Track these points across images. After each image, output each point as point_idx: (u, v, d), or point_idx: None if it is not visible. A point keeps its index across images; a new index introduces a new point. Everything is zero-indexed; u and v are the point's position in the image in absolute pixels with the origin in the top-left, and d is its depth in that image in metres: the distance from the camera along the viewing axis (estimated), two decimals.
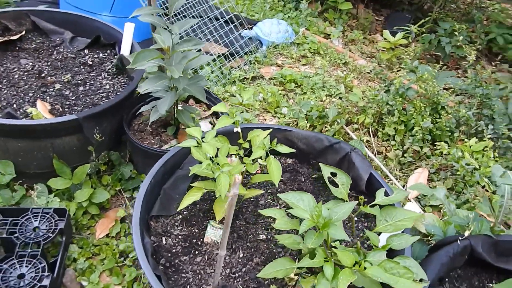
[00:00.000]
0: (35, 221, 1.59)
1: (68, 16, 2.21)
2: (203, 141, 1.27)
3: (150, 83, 1.48)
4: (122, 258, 1.72)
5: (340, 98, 2.84)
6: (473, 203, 1.90)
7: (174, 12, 1.48)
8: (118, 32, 2.16)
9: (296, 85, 2.89)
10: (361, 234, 1.42)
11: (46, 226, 1.58)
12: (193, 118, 1.75)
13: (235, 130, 1.33)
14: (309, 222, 1.02)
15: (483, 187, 2.01)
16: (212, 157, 1.24)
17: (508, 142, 2.17)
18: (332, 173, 1.25)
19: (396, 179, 2.17)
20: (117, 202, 1.94)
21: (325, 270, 0.99)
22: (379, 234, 1.24)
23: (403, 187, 2.10)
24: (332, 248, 1.06)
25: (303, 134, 1.66)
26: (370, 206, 1.15)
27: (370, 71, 3.26)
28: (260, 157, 1.30)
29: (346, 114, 2.52)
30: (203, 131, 1.32)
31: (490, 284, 1.36)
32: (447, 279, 1.35)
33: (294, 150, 1.35)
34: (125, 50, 2.04)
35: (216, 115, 2.04)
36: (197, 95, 1.57)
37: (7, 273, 1.42)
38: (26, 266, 1.45)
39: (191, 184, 1.36)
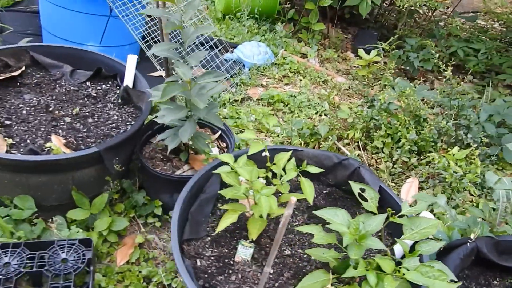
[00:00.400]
0: (62, 252, 1.62)
1: (66, 50, 2.26)
2: (233, 166, 1.37)
3: (172, 114, 1.57)
4: (145, 283, 1.77)
5: (325, 115, 3.00)
6: (463, 208, 2.08)
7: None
8: (118, 63, 2.23)
9: (284, 105, 3.02)
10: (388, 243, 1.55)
11: (74, 257, 1.61)
12: (207, 143, 1.84)
13: (263, 154, 1.44)
14: (350, 236, 1.13)
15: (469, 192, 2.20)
16: (246, 181, 1.34)
17: (486, 149, 2.38)
18: (360, 189, 1.37)
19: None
20: (131, 228, 1.99)
21: (368, 278, 1.10)
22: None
23: (397, 196, 2.26)
24: (371, 258, 1.18)
25: (313, 153, 1.79)
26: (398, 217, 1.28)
27: (349, 87, 3.45)
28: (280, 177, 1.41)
29: (336, 130, 2.67)
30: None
31: (495, 282, 1.52)
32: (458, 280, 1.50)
33: (323, 170, 1.47)
34: (128, 81, 2.11)
35: (221, 138, 2.13)
36: (215, 122, 1.67)
37: None
38: None
39: (220, 207, 1.45)
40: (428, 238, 1.22)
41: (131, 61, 2.08)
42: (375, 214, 1.26)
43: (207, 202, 1.63)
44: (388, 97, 2.65)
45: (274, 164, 1.44)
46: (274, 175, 1.48)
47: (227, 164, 1.39)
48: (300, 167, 1.40)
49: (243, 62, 3.43)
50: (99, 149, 1.65)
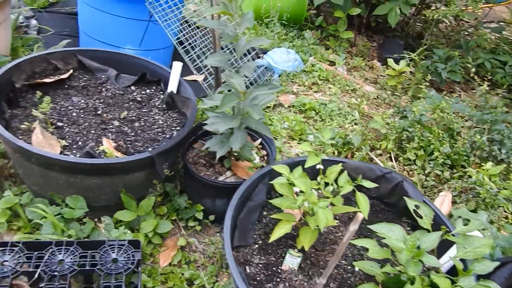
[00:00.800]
0: (112, 253, 1.67)
1: (111, 54, 2.32)
2: (289, 177, 1.41)
3: (224, 123, 1.62)
4: (188, 286, 1.82)
5: (356, 124, 3.03)
6: (499, 224, 2.11)
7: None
8: (161, 68, 2.28)
9: (315, 113, 3.06)
10: None
11: (124, 257, 1.67)
12: (257, 153, 1.89)
13: (318, 167, 1.48)
14: (408, 252, 1.17)
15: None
16: (300, 192, 1.38)
17: None
18: (415, 206, 1.41)
19: None
20: (172, 231, 2.04)
21: None
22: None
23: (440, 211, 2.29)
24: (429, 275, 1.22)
25: (355, 164, 1.83)
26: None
27: (377, 96, 3.48)
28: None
29: (368, 140, 2.71)
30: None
31: None
32: None
33: (377, 185, 1.51)
34: (173, 86, 2.16)
35: (261, 145, 2.18)
36: (264, 132, 1.72)
37: None
38: None
39: (271, 216, 1.50)
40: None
41: (176, 67, 2.14)
42: (429, 231, 1.29)
43: (254, 210, 1.67)
44: (421, 109, 2.68)
45: (326, 176, 1.48)
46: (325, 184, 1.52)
47: (279, 173, 1.44)
48: (355, 181, 1.44)
49: (273, 68, 3.47)
50: (152, 154, 1.71)
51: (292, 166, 1.73)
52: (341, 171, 1.50)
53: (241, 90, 1.54)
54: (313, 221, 1.31)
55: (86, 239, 1.79)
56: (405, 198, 1.40)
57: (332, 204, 1.42)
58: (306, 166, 1.47)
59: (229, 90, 1.69)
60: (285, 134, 2.78)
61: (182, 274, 1.84)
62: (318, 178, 1.56)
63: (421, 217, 1.32)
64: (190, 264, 1.91)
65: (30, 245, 1.63)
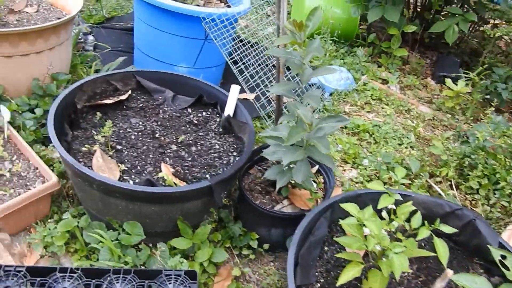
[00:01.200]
0: (169, 283, 1.64)
1: (168, 75, 2.31)
2: (359, 218, 1.33)
3: (288, 154, 1.56)
4: None
5: (411, 147, 2.91)
6: None
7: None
8: (218, 91, 2.25)
9: (369, 135, 2.96)
10: None
11: None
12: (314, 181, 1.82)
13: (389, 207, 1.40)
14: None
15: None
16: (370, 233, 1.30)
17: None
18: (501, 255, 1.30)
19: None
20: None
21: None
22: None
23: None
24: None
25: (422, 199, 1.72)
26: None
27: (433, 117, 3.33)
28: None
29: (426, 166, 2.58)
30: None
31: None
32: None
33: (457, 231, 1.41)
34: (230, 110, 2.13)
35: (318, 172, 2.11)
36: (328, 163, 1.64)
37: None
38: None
39: (338, 256, 1.42)
40: None
41: (234, 91, 2.10)
42: None
43: (316, 245, 1.60)
44: (486, 134, 2.53)
45: (397, 216, 1.39)
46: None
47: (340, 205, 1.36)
48: (432, 225, 1.35)
49: (324, 87, 3.39)
50: (211, 183, 1.67)
51: (355, 199, 1.65)
52: (414, 211, 1.41)
53: (308, 122, 1.48)
54: (386, 267, 1.23)
55: (142, 267, 1.76)
56: (490, 247, 1.29)
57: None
58: (379, 207, 1.38)
59: (295, 120, 1.64)
60: (338, 157, 2.69)
61: None
62: (384, 213, 1.47)
63: (506, 267, 1.21)
64: None
65: (88, 271, 1.62)
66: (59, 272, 1.59)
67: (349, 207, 1.37)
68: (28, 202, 1.81)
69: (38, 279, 1.56)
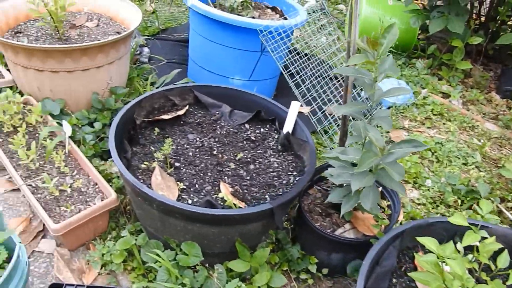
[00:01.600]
0: None
1: (226, 90, 2.28)
2: (439, 255, 1.23)
3: (359, 180, 1.47)
4: None
5: (477, 167, 2.74)
6: None
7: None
8: (276, 107, 2.20)
9: (431, 153, 2.81)
10: None
11: None
12: (379, 205, 1.72)
13: (474, 244, 1.29)
14: None
15: None
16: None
17: None
18: None
19: None
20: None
21: None
22: None
23: None
24: None
25: (502, 231, 1.59)
26: None
27: (500, 136, 3.13)
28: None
29: (496, 190, 2.41)
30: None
31: None
32: None
33: None
34: (289, 127, 2.06)
35: (382, 195, 2.00)
36: (398, 189, 1.55)
37: None
38: None
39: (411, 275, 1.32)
40: None
41: (294, 107, 2.04)
42: None
43: (384, 277, 1.50)
44: None
45: (479, 254, 1.28)
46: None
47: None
48: None
49: (381, 101, 3.27)
50: (273, 206, 1.61)
51: (427, 229, 1.55)
52: (501, 250, 1.29)
53: (380, 147, 1.40)
54: None
55: None
56: None
57: None
58: (464, 244, 1.27)
59: (362, 143, 1.55)
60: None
61: None
62: (459, 246, 1.36)
63: None
64: None
65: None
66: None
67: (428, 242, 1.27)
68: (88, 219, 1.82)
69: None
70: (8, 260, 1.36)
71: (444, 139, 2.96)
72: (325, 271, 1.91)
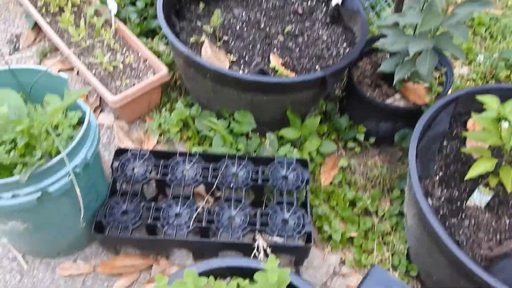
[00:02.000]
0: (282, 170, 1.69)
1: None
2: (501, 112, 1.25)
3: (418, 43, 1.45)
4: (350, 206, 1.81)
5: None
6: None
7: None
8: None
9: (485, 29, 2.69)
10: None
11: (294, 176, 1.68)
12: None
13: None
14: None
15: None
16: None
17: None
18: None
19: None
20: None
21: None
22: None
23: None
24: None
25: None
26: None
27: None
28: None
29: None
30: None
31: None
32: None
33: None
34: None
35: None
36: (460, 56, 1.52)
37: (273, 218, 1.56)
38: (288, 212, 1.58)
39: (465, 150, 1.37)
40: None
41: None
42: None
43: (434, 140, 1.55)
44: None
45: None
46: None
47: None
48: None
49: None
50: (325, 74, 1.63)
51: (482, 94, 1.55)
52: None
53: (443, 7, 1.35)
54: None
55: (254, 155, 1.83)
56: None
57: None
58: None
59: (420, 7, 1.50)
60: (448, 53, 2.50)
61: (345, 194, 1.82)
62: None
63: None
64: (352, 186, 1.88)
65: (205, 156, 1.71)
66: (179, 156, 1.69)
67: (488, 99, 1.27)
68: (143, 92, 1.90)
69: (162, 161, 1.68)
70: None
71: (500, 14, 2.81)
72: (372, 140, 1.97)
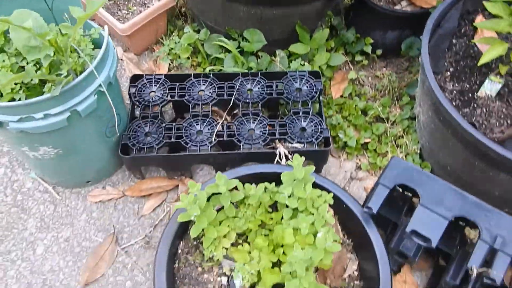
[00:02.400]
0: (295, 83, 1.73)
1: None
2: None
3: None
4: (362, 115, 1.87)
5: None
6: None
7: None
8: None
9: None
10: None
11: (307, 87, 1.72)
12: None
13: None
14: None
15: None
16: None
17: None
18: None
19: None
20: (338, 65, 2.03)
21: None
22: None
23: None
24: None
25: None
26: None
27: None
28: None
29: None
30: None
31: None
32: None
33: None
34: None
35: None
36: None
37: (291, 127, 1.61)
38: (304, 121, 1.63)
39: (475, 41, 1.40)
40: None
41: None
42: None
43: (444, 38, 1.58)
44: None
45: None
46: None
47: None
48: None
49: None
50: None
51: None
52: None
53: None
54: None
55: (269, 71, 1.85)
56: None
57: None
58: None
59: None
60: None
61: (356, 105, 1.87)
62: None
63: None
64: (362, 96, 1.93)
65: (219, 76, 1.73)
66: (194, 77, 1.72)
67: None
68: (151, 18, 1.89)
69: (177, 84, 1.71)
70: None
71: None
72: (379, 52, 2.00)
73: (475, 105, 1.47)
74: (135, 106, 1.67)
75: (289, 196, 1.23)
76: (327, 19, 1.96)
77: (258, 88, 1.71)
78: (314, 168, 1.28)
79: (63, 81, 1.16)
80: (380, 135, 1.80)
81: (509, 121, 1.44)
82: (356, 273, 1.35)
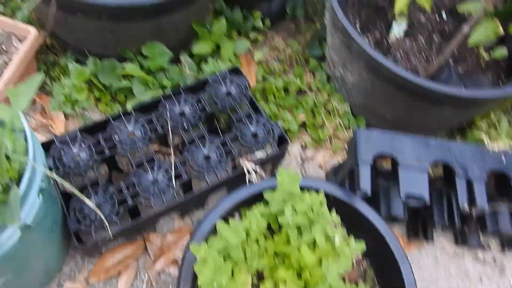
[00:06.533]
0: (221, 87, 1.52)
1: None
2: None
3: None
4: (285, 93, 1.76)
5: None
6: None
7: None
8: None
9: None
10: None
11: (234, 87, 1.52)
12: None
13: None
14: None
15: None
16: None
17: None
18: None
19: None
20: None
21: None
22: None
23: None
24: None
25: None
26: None
27: None
28: None
29: None
30: None
31: None
32: None
33: None
34: None
35: None
36: None
37: (243, 137, 1.44)
38: (251, 125, 1.46)
39: None
40: None
41: None
42: None
43: None
44: None
45: None
46: None
47: None
48: None
49: None
50: None
51: None
52: None
53: None
54: None
55: (189, 86, 1.57)
56: None
57: None
58: None
59: None
60: None
61: (276, 85, 1.75)
62: None
63: None
64: (276, 74, 1.80)
65: (140, 108, 1.43)
66: (114, 121, 1.39)
67: None
68: (24, 66, 1.44)
69: (99, 135, 1.36)
70: None
71: None
72: (268, 23, 1.87)
73: (394, 50, 1.47)
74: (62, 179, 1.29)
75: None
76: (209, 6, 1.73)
77: (189, 108, 1.45)
78: (300, 176, 1.16)
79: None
80: (311, 109, 1.73)
81: (424, 56, 1.48)
82: (360, 256, 1.31)
